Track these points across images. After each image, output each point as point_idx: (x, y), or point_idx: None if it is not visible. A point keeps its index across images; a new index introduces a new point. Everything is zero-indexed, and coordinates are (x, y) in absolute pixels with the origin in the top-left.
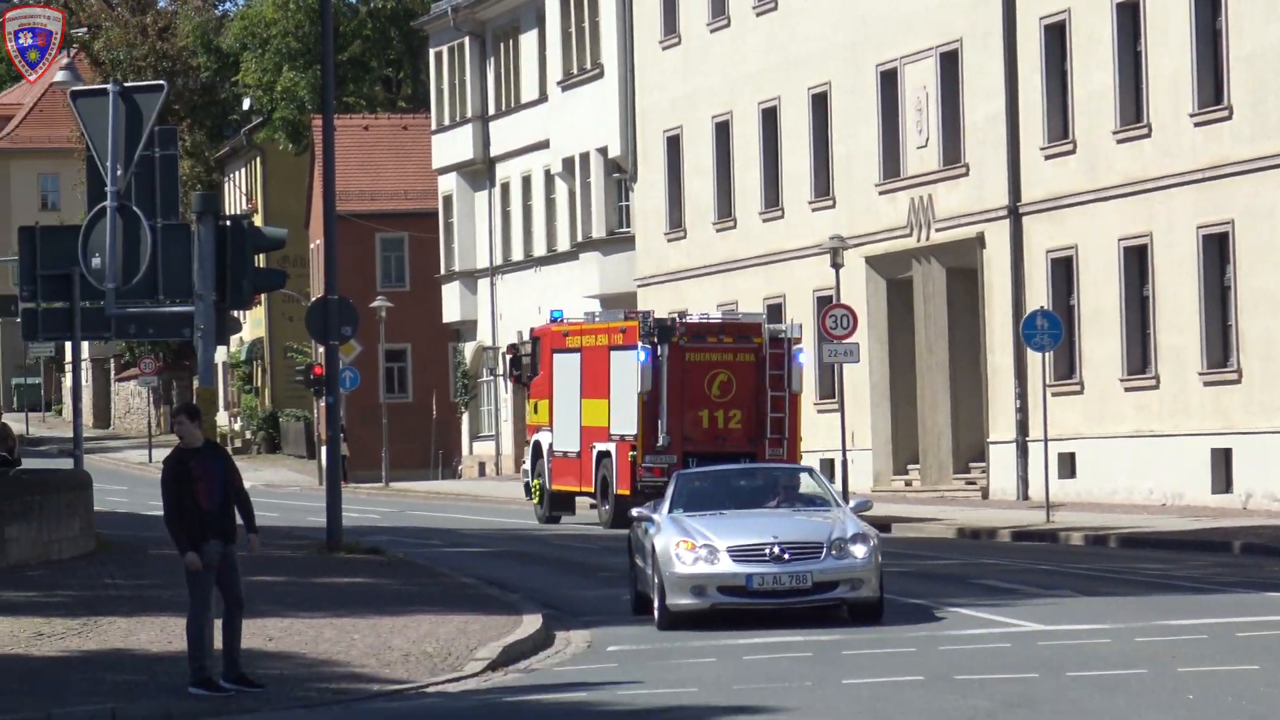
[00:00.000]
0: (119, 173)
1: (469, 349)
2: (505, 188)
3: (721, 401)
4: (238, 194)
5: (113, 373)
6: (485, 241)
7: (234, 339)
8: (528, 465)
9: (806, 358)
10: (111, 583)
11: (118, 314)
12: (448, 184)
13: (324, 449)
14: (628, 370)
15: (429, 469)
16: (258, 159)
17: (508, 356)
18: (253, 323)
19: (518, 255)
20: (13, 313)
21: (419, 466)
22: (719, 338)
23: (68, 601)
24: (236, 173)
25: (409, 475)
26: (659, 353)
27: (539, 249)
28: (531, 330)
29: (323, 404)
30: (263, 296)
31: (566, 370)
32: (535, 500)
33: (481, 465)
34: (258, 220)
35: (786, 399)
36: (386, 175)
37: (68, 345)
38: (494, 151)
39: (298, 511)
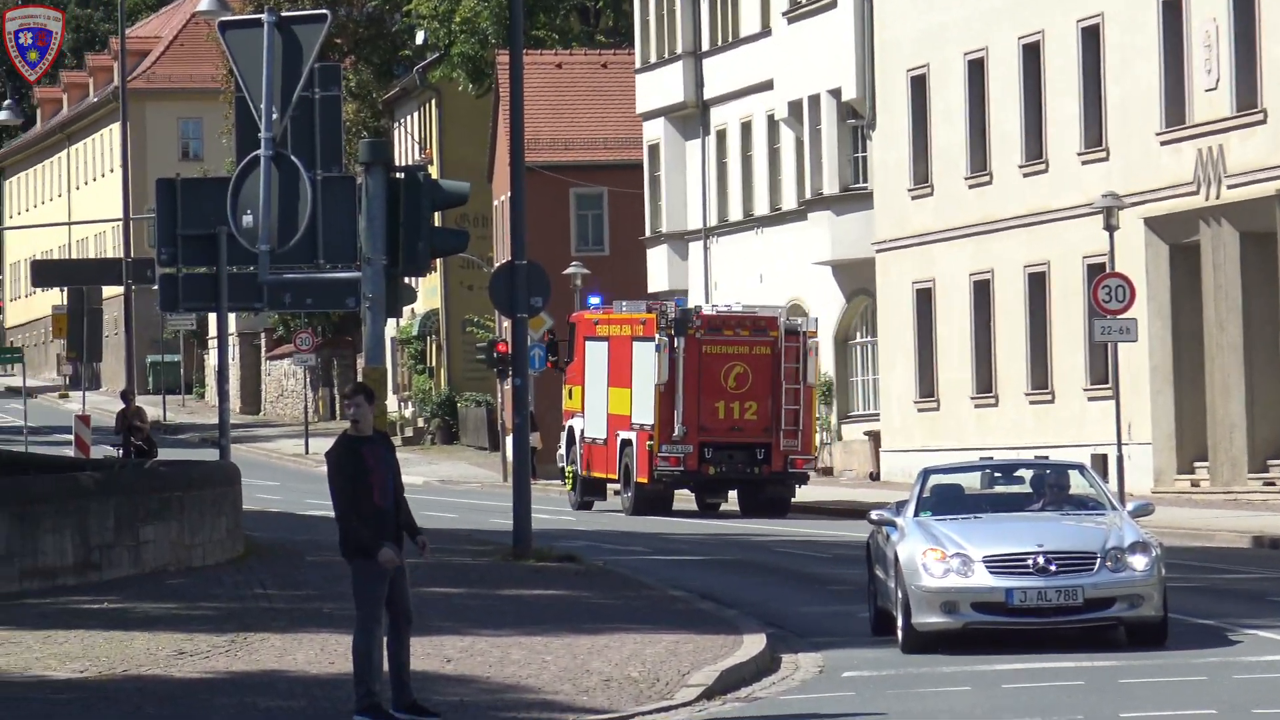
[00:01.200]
0: (274, 116)
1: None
2: (721, 135)
3: (738, 393)
4: (410, 142)
5: (264, 350)
6: (698, 198)
7: (405, 311)
8: (563, 450)
9: (824, 351)
10: (263, 593)
11: (271, 281)
12: (654, 131)
13: (509, 439)
14: (647, 361)
15: None
16: (433, 101)
17: (544, 342)
18: (426, 292)
19: (735, 215)
20: (148, 279)
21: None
22: (735, 330)
23: (213, 614)
24: (409, 117)
25: None
26: (676, 345)
27: (760, 207)
28: (568, 317)
29: (508, 387)
30: (439, 262)
31: (596, 358)
32: (569, 486)
33: None
34: (434, 172)
35: (802, 391)
36: (583, 121)
37: (212, 317)
38: (708, 93)
39: (479, 512)
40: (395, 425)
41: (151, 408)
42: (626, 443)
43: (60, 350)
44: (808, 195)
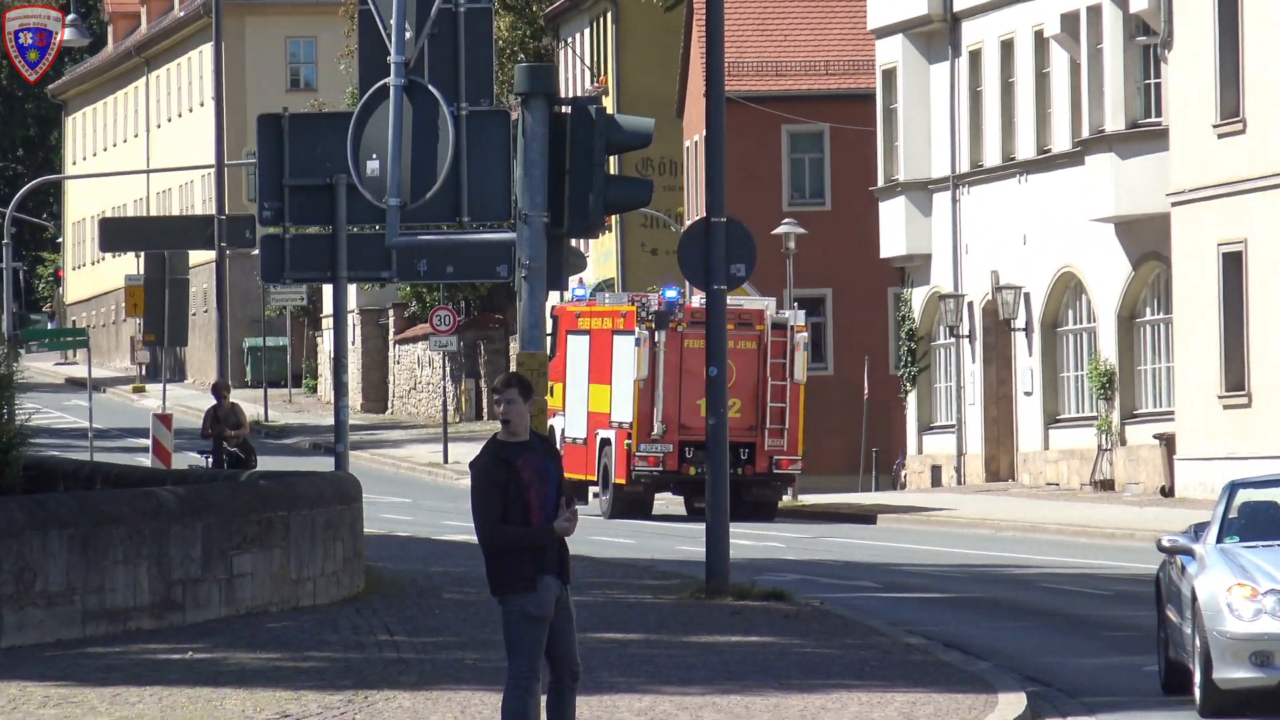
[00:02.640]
0: (407, 35)
1: (919, 297)
2: (975, 57)
3: None
4: (579, 68)
5: (392, 331)
6: (944, 138)
7: (572, 281)
8: None
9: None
10: (388, 639)
11: (402, 244)
12: (889, 52)
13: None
14: (627, 356)
15: (857, 474)
16: (608, 16)
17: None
18: (599, 257)
19: (992, 159)
20: (247, 242)
21: (842, 470)
22: None
23: (325, 667)
24: (577, 36)
25: (827, 484)
26: (656, 339)
27: (1024, 149)
28: (553, 308)
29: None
30: (615, 220)
31: (577, 353)
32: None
33: (935, 470)
34: (609, 106)
35: (789, 389)
36: (799, 40)
37: (327, 290)
38: (958, 4)
39: (661, 536)
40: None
41: (250, 405)
42: (605, 442)
43: (135, 332)
44: (1085, 133)
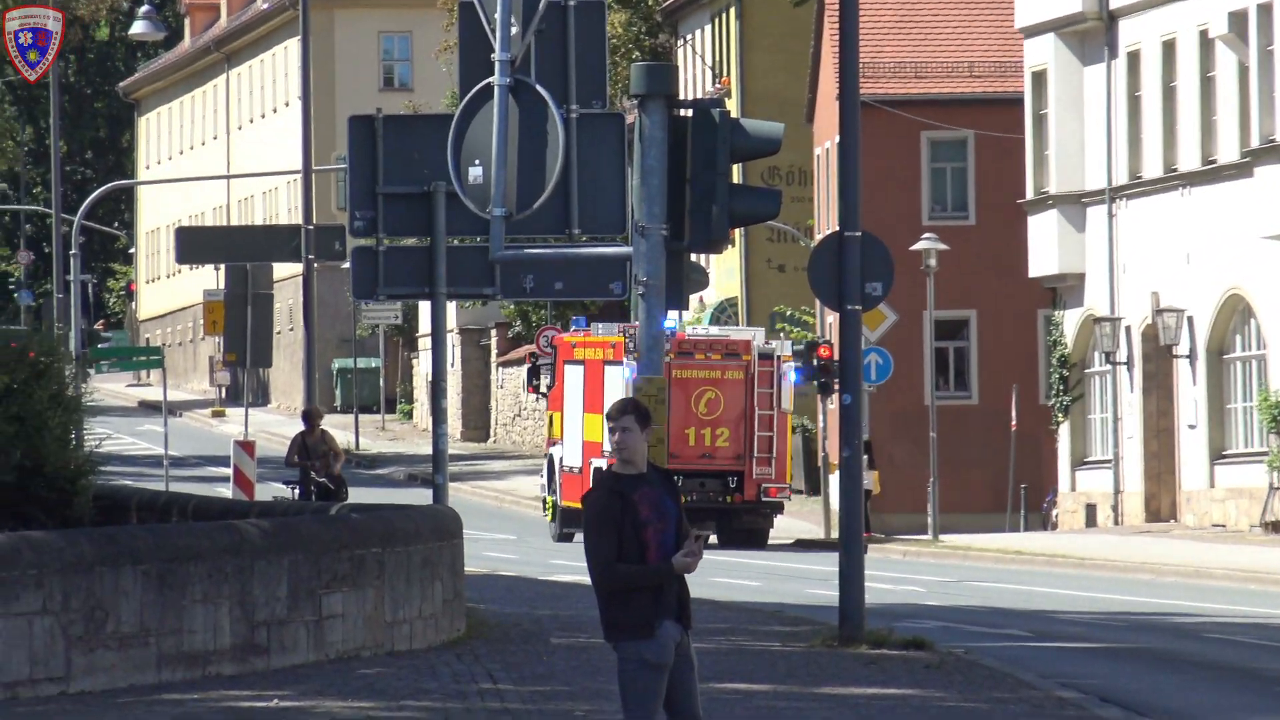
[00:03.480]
0: (513, 31)
1: (1072, 320)
2: (1133, 59)
3: (709, 419)
4: (699, 67)
5: (495, 352)
6: (1100, 146)
7: (692, 301)
8: (544, 480)
9: (795, 376)
10: (491, 688)
11: (507, 258)
12: (1039, 52)
13: (835, 479)
14: (617, 386)
15: (1004, 513)
16: (730, 12)
17: (527, 365)
18: (721, 274)
19: (1152, 170)
20: (337, 254)
21: (988, 508)
22: (707, 354)
23: (423, 717)
24: (698, 33)
25: (972, 522)
26: None
27: (1187, 160)
28: (552, 338)
29: (833, 407)
30: (739, 234)
31: (573, 383)
32: (549, 517)
33: (1090, 509)
34: (733, 109)
35: (776, 418)
36: (940, 40)
37: (424, 308)
38: (1115, 2)
39: (789, 578)
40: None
41: (340, 432)
42: (599, 470)
43: (214, 352)
44: (1254, 143)
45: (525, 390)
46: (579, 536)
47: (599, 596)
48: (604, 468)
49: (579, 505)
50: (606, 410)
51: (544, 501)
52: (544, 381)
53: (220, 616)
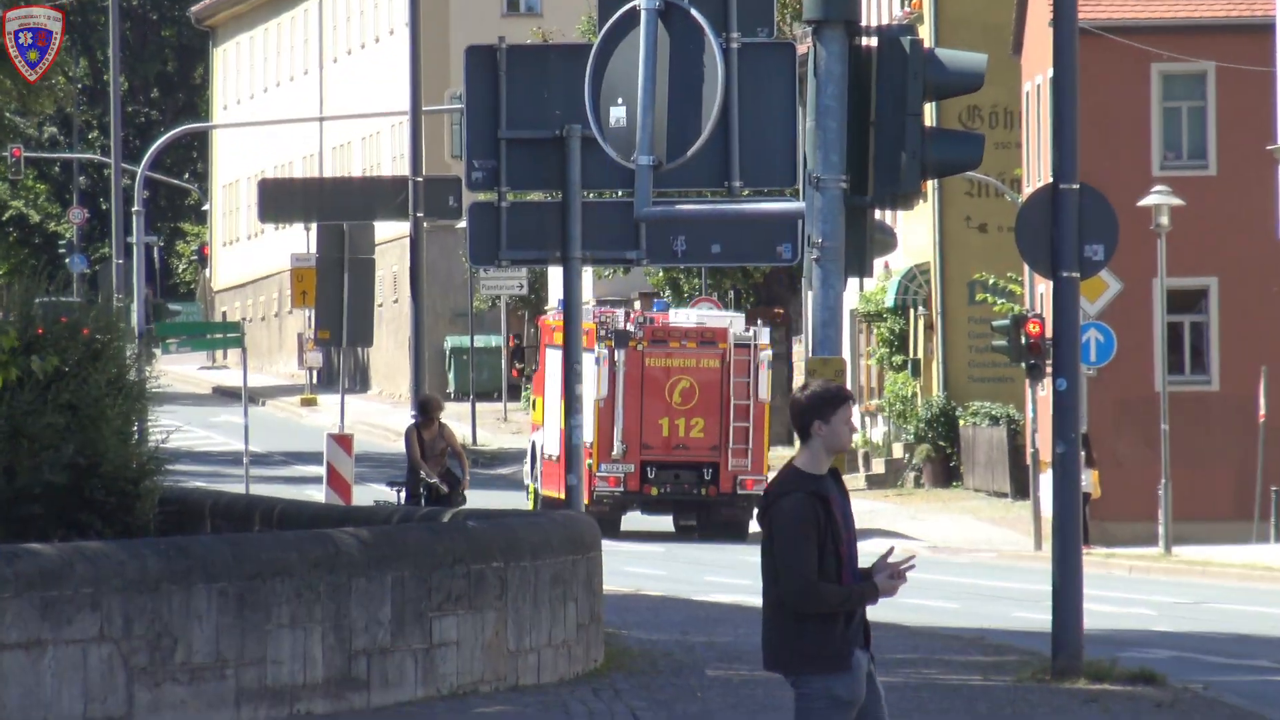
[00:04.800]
0: None
1: None
2: None
3: (683, 409)
4: None
5: None
6: None
7: (877, 266)
8: (527, 467)
9: (772, 366)
10: None
11: (654, 215)
12: None
13: (1046, 478)
14: (589, 374)
15: (1251, 521)
16: None
17: (511, 346)
18: (912, 234)
19: None
20: (451, 212)
21: (1231, 515)
22: (681, 343)
23: None
24: None
25: (1211, 531)
26: (616, 357)
27: None
28: (538, 318)
29: (1044, 393)
30: (932, 187)
31: (554, 368)
32: (531, 506)
33: None
34: (925, 36)
35: (752, 408)
36: None
37: (553, 275)
38: None
39: (992, 600)
40: (858, 454)
41: (454, 423)
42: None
43: (304, 328)
44: None
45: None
46: None
47: (786, 620)
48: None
49: (560, 495)
50: (822, 393)
51: (526, 489)
52: (528, 365)
53: (311, 644)
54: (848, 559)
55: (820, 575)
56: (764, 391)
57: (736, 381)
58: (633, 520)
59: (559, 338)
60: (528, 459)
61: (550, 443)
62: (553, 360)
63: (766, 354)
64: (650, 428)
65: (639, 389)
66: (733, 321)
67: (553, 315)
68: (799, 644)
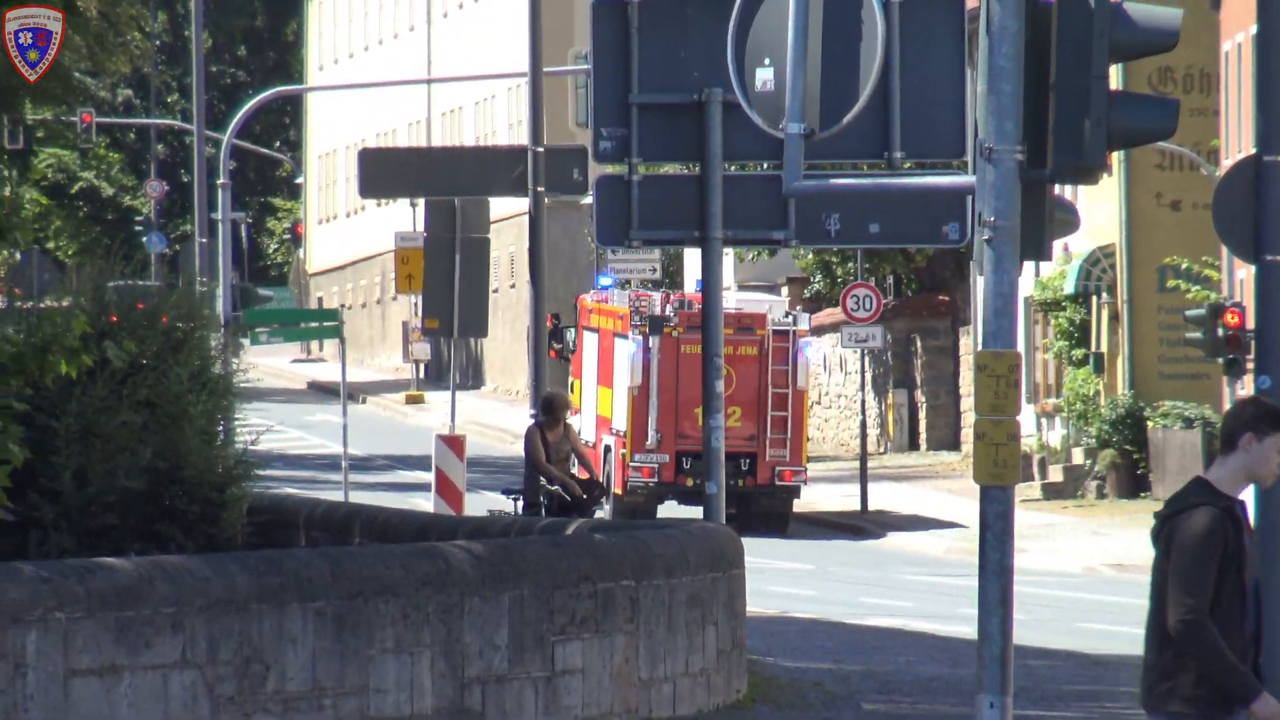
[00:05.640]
0: None
1: None
2: None
3: None
4: None
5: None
6: None
7: (1055, 249)
8: None
9: (814, 352)
10: None
11: (806, 190)
12: None
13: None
14: (624, 361)
15: None
16: None
17: (549, 326)
18: (1095, 212)
19: None
20: (575, 186)
21: None
22: None
23: None
24: None
25: None
26: (650, 345)
27: None
28: (576, 297)
29: (1243, 391)
30: (1118, 159)
31: (590, 351)
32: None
33: None
34: None
35: (791, 397)
36: None
37: (690, 258)
38: None
39: None
40: (1032, 460)
41: (575, 421)
42: (608, 449)
43: (410, 316)
44: None
45: (824, 370)
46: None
47: (1167, 650)
48: (1199, 478)
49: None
50: (1272, 410)
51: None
52: (567, 345)
53: (419, 671)
54: (1251, 596)
55: (1217, 607)
56: (803, 380)
57: (775, 370)
58: (669, 512)
59: (594, 320)
60: None
61: (586, 429)
62: (590, 343)
63: (806, 341)
64: (686, 417)
65: (674, 377)
66: (771, 307)
67: (591, 296)
68: (1178, 679)
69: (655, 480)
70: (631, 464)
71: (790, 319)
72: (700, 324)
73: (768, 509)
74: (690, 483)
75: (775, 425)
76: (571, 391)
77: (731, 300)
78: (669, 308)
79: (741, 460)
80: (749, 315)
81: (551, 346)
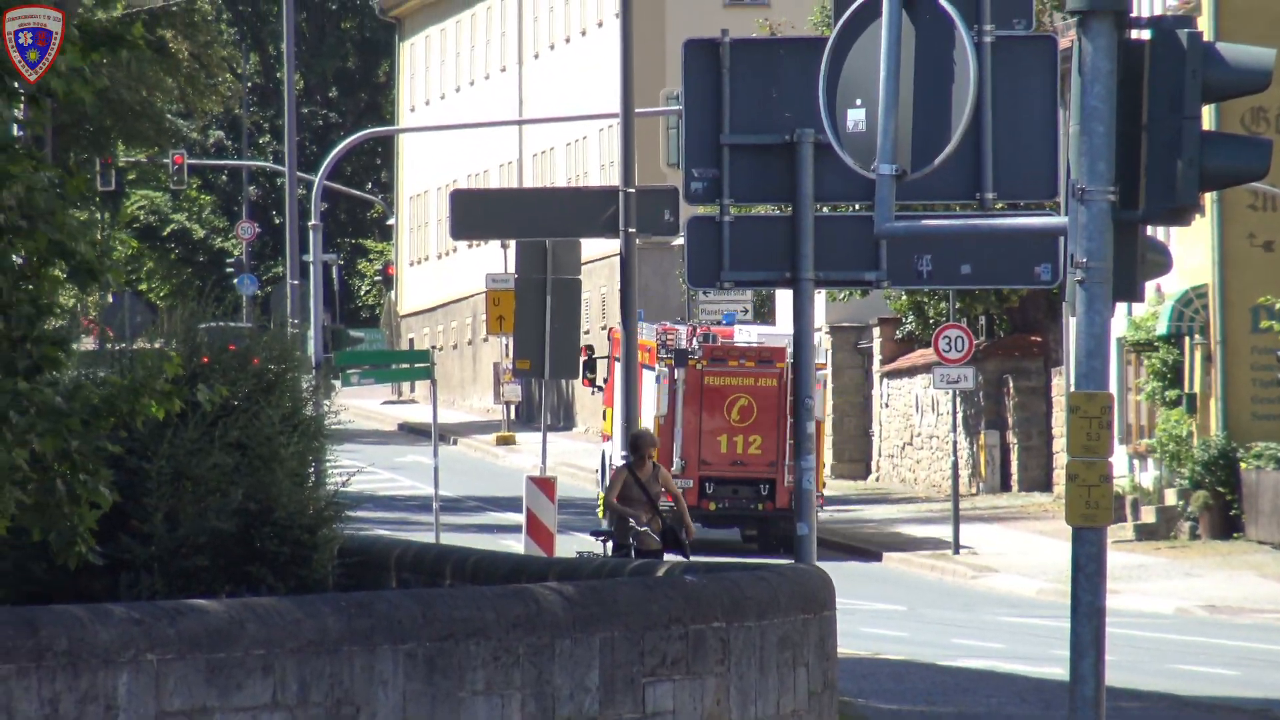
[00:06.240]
0: None
1: None
2: None
3: (741, 426)
4: None
5: (878, 358)
6: None
7: (1148, 289)
8: (597, 476)
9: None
10: None
11: (898, 231)
12: None
13: None
14: (650, 390)
15: None
16: None
17: (583, 359)
18: (1188, 253)
19: None
20: (667, 226)
21: None
22: (740, 361)
23: None
24: None
25: None
26: (676, 376)
27: None
28: (610, 330)
29: None
30: (1211, 200)
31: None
32: (601, 515)
33: None
34: (1204, 29)
35: None
36: None
37: (781, 300)
38: None
39: (1278, 666)
40: (1125, 501)
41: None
42: None
43: (501, 357)
44: None
45: (915, 411)
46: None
47: None
48: None
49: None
50: None
51: (598, 498)
52: (599, 375)
53: (509, 712)
54: None
55: None
56: (819, 410)
57: (793, 400)
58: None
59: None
60: (598, 470)
61: (618, 454)
62: (618, 373)
63: (823, 373)
64: (709, 444)
65: (698, 406)
66: (790, 341)
67: (616, 329)
68: None
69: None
70: None
71: None
72: (720, 357)
73: (787, 531)
74: (713, 506)
75: (794, 452)
76: (604, 420)
77: (752, 335)
78: (694, 341)
79: (761, 485)
80: (769, 349)
81: (585, 376)
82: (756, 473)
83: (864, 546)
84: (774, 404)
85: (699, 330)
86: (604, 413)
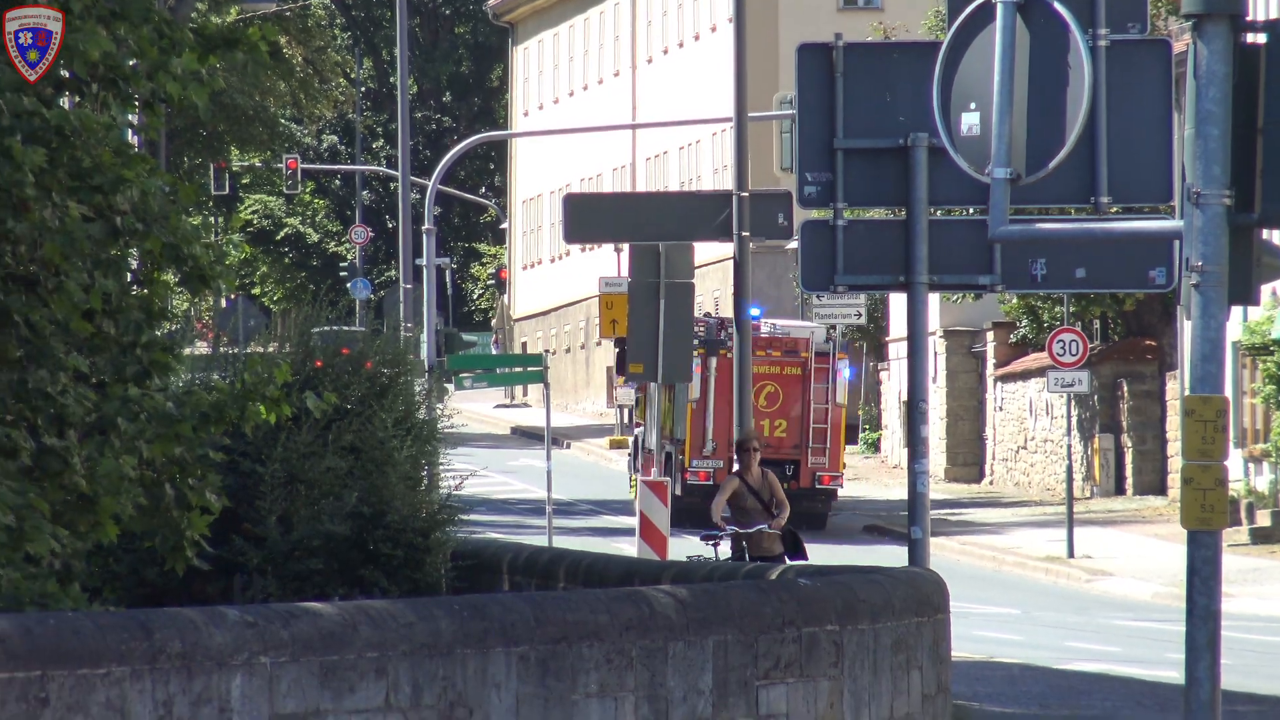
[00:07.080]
0: None
1: None
2: None
3: (768, 411)
4: None
5: (991, 362)
6: None
7: (1264, 293)
8: (629, 459)
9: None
10: None
11: (1012, 235)
12: None
13: None
14: None
15: None
16: None
17: (615, 349)
18: None
19: None
20: (780, 230)
21: None
22: (767, 351)
23: None
24: None
25: None
26: (708, 364)
27: None
28: None
29: None
30: None
31: None
32: (632, 494)
33: None
34: None
35: (830, 410)
36: None
37: (895, 302)
38: None
39: None
40: (1240, 504)
41: (777, 465)
42: (669, 455)
43: (613, 362)
44: None
45: (1029, 415)
46: None
47: None
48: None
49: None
50: None
51: (630, 480)
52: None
53: (622, 715)
54: None
55: None
56: (840, 396)
57: (816, 387)
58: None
59: None
60: (630, 452)
61: (650, 437)
62: None
63: (844, 363)
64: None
65: (729, 393)
66: (814, 333)
67: None
68: None
69: (711, 483)
70: (689, 469)
71: (829, 343)
72: (752, 347)
73: (808, 509)
74: None
75: (816, 436)
76: (638, 406)
77: (779, 329)
78: (724, 332)
79: (786, 466)
80: (793, 340)
81: (620, 370)
82: (782, 454)
83: (982, 551)
84: (798, 391)
85: (728, 321)
86: (636, 399)
